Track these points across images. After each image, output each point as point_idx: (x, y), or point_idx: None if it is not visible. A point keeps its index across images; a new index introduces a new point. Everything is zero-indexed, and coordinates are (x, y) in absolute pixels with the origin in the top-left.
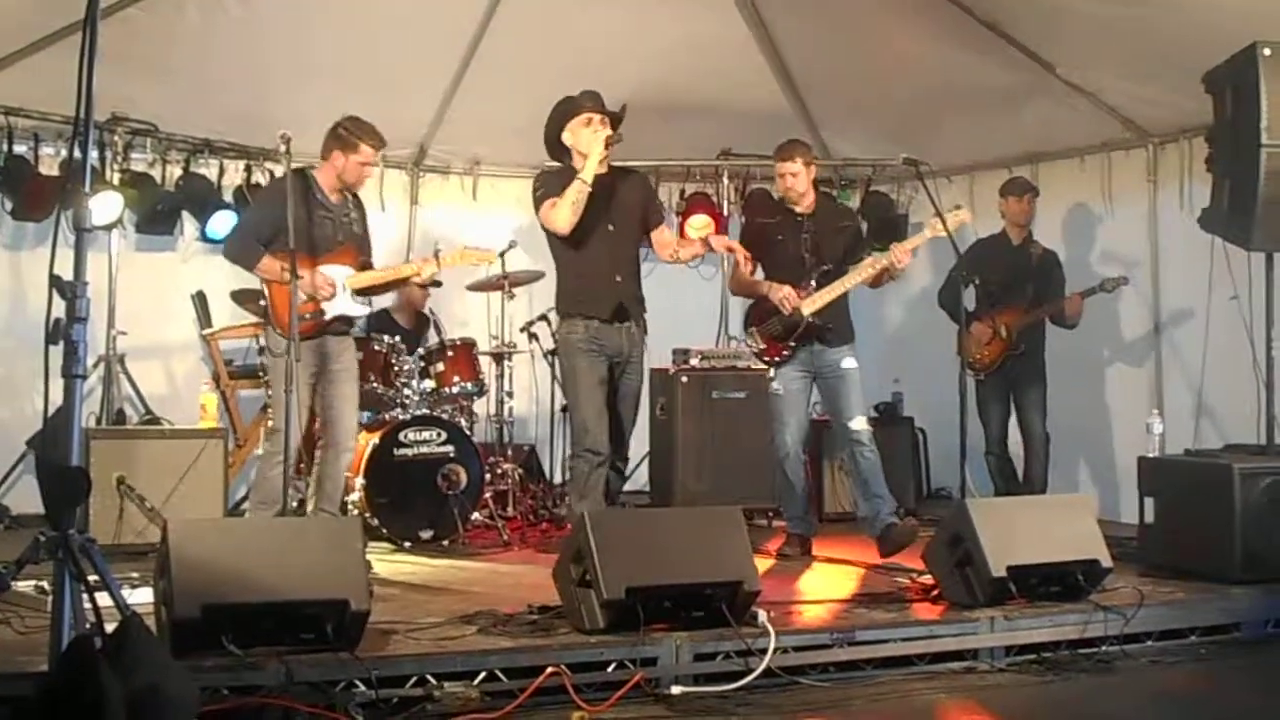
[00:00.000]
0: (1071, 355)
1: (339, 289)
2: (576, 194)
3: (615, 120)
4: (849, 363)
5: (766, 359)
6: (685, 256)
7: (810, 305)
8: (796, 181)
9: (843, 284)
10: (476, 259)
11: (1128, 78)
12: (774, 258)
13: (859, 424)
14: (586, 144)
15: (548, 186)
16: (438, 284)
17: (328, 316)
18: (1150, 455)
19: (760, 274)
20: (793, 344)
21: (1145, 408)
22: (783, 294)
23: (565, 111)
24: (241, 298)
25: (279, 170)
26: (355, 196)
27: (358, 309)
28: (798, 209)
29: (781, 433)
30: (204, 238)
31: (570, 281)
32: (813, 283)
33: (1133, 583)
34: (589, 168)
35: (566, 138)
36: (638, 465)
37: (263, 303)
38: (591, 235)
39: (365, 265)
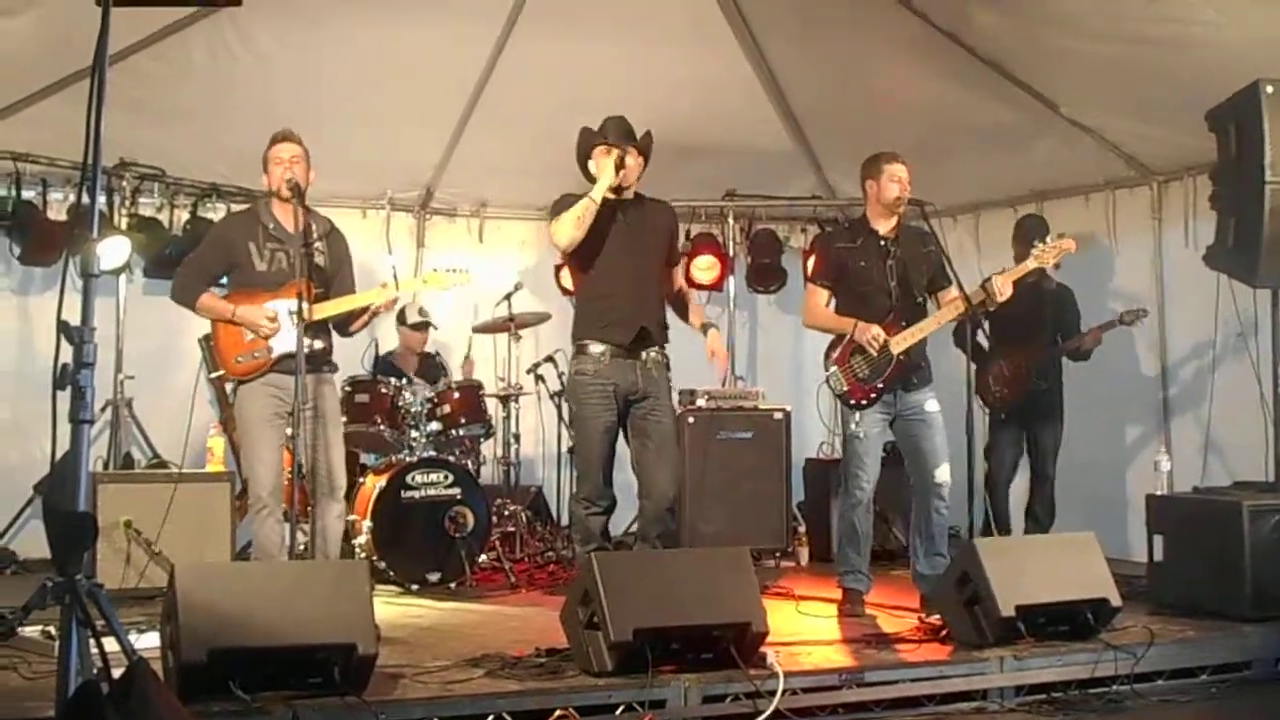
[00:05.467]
0: (1078, 392)
1: (280, 323)
2: (582, 210)
3: (635, 147)
4: (933, 405)
5: (852, 402)
6: (693, 321)
7: (900, 344)
8: (904, 188)
9: (936, 320)
10: (444, 283)
11: (1131, 116)
12: (854, 287)
13: (943, 474)
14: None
15: (560, 203)
16: (433, 325)
17: (275, 354)
18: (1158, 493)
19: (833, 305)
20: (880, 386)
21: (1152, 445)
22: (871, 334)
23: (589, 142)
24: None
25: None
26: (329, 226)
27: (316, 344)
28: (881, 231)
29: (859, 478)
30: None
31: (590, 304)
32: (903, 320)
33: (1142, 621)
34: (599, 187)
35: (591, 167)
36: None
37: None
38: (616, 258)
39: (321, 297)
